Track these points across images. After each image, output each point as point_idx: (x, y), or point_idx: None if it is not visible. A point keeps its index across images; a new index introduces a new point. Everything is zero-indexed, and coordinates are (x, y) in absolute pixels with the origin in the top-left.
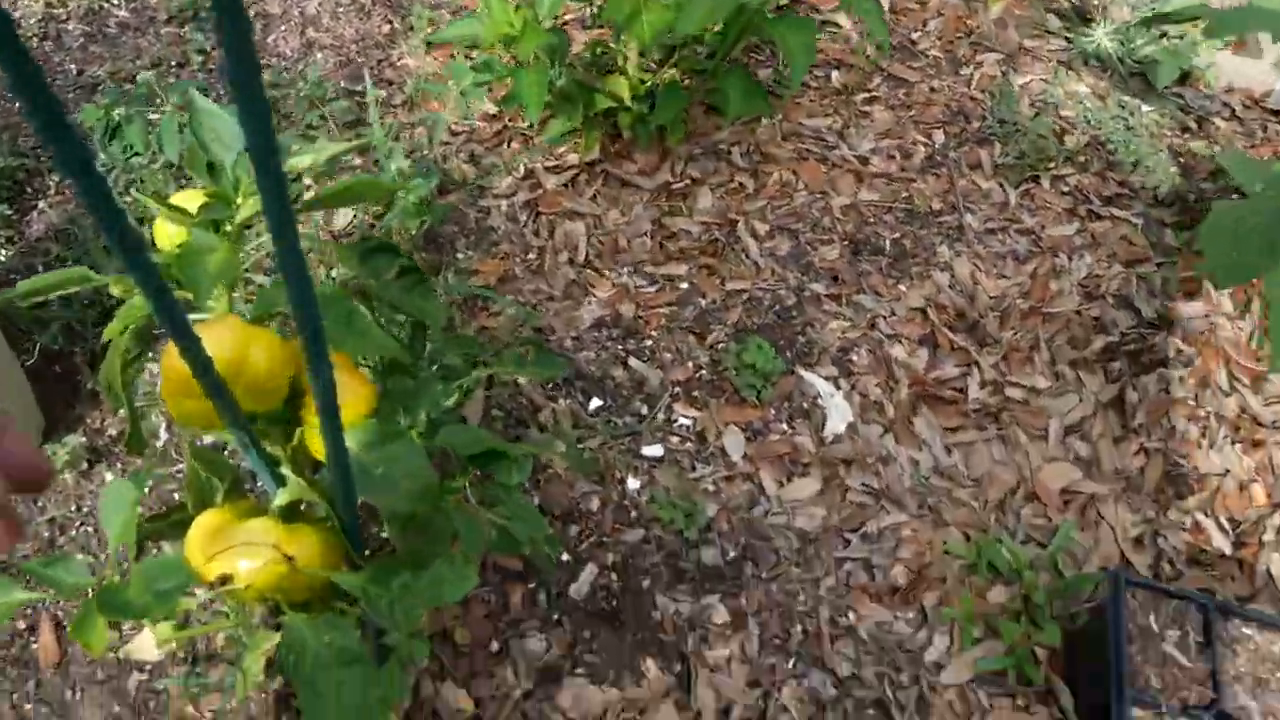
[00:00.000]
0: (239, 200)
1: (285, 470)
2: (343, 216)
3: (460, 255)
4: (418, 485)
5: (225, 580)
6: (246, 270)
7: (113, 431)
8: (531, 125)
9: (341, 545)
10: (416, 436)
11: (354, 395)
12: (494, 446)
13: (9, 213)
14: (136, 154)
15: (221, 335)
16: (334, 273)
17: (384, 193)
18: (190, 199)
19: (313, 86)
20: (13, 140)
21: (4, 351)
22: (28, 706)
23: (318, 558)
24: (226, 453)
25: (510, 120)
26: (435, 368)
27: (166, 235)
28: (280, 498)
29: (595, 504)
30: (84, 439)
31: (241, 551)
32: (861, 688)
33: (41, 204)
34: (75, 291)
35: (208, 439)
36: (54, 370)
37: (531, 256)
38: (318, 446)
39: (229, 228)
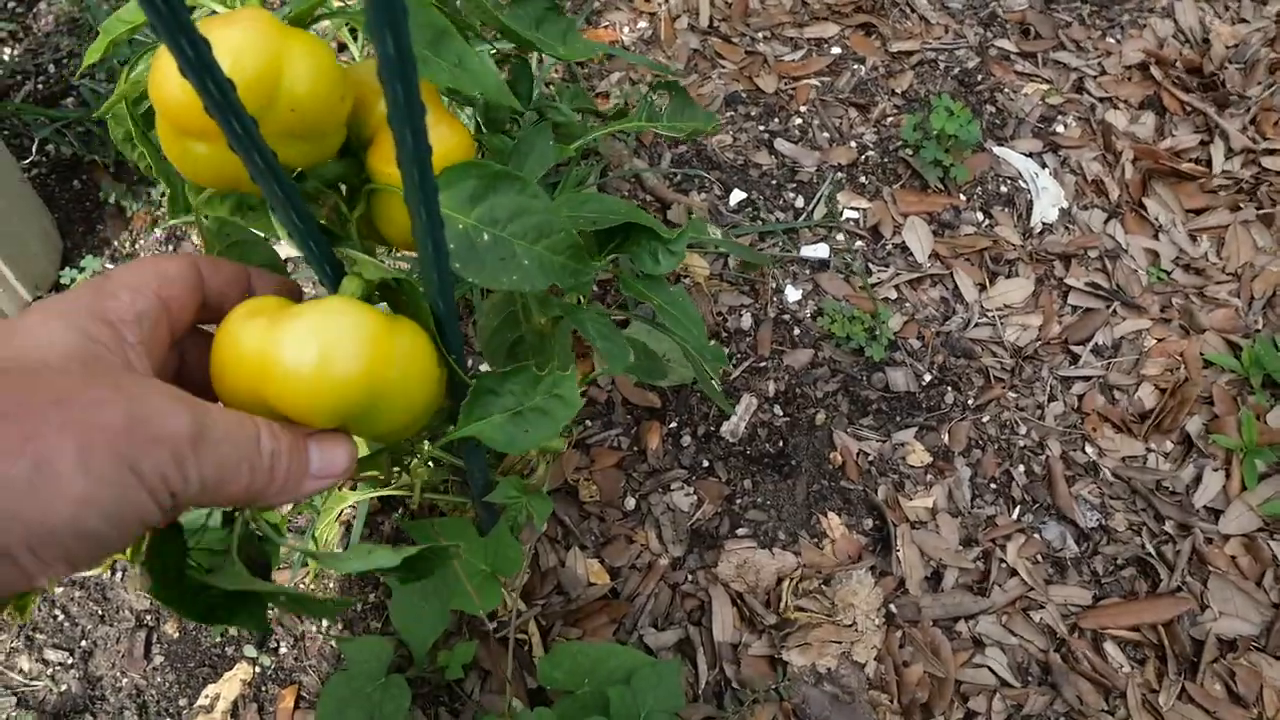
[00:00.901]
0: None
1: (349, 251)
2: None
3: None
4: (552, 251)
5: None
6: None
7: (145, 254)
8: None
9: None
10: None
11: (441, 143)
12: (635, 218)
13: (13, 4)
14: None
15: (240, 36)
16: None
17: None
18: None
19: None
20: None
21: (6, 164)
22: (59, 590)
23: (425, 355)
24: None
25: None
26: (540, 122)
27: None
28: (348, 285)
29: (747, 320)
30: (109, 263)
31: (326, 328)
32: (1112, 542)
33: None
34: (91, 90)
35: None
36: (70, 185)
37: (643, 25)
38: (392, 217)
39: None
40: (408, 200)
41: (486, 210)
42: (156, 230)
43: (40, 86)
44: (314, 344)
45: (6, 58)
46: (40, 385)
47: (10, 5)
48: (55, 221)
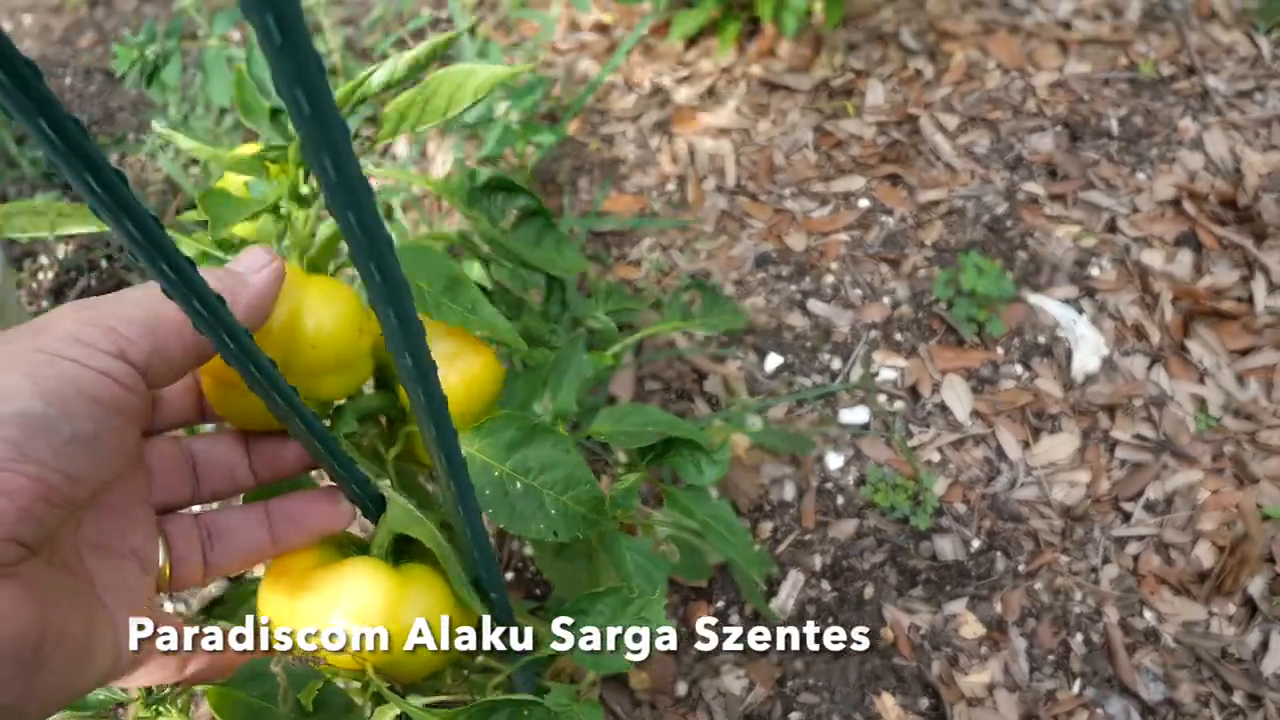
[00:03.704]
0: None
1: (386, 486)
2: (440, 165)
3: (584, 196)
4: (576, 503)
5: (313, 656)
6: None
7: None
8: (654, 18)
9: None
10: (563, 428)
11: (469, 369)
12: (678, 432)
13: (65, 204)
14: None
15: None
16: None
17: (484, 88)
18: (249, 152)
19: (387, 6)
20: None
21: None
22: None
23: (444, 613)
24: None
25: (626, 28)
26: (576, 331)
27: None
28: (382, 528)
29: (790, 491)
30: None
31: (330, 608)
32: (1180, 716)
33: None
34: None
35: None
36: None
37: (670, 188)
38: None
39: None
40: (432, 457)
41: (521, 460)
42: None
43: (94, 283)
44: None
45: (61, 254)
46: None
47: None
48: None
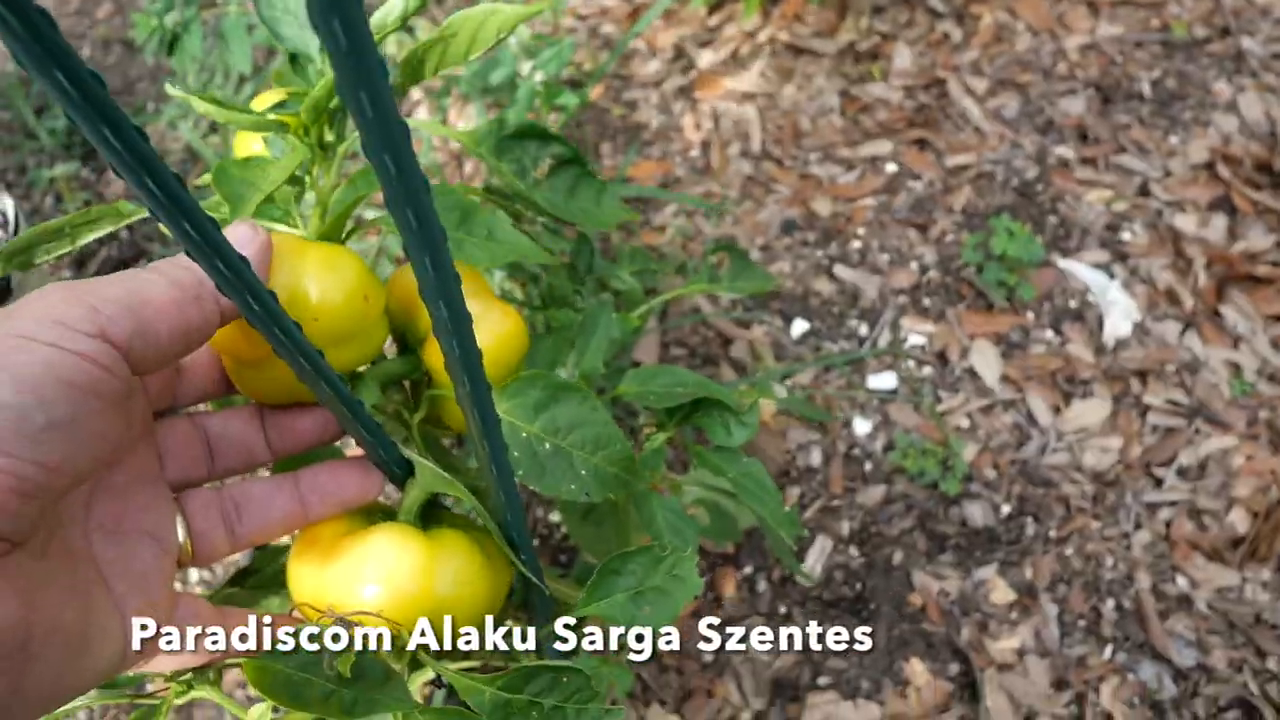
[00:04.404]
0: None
1: (411, 453)
2: (466, 123)
3: (606, 162)
4: (607, 463)
5: (343, 620)
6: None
7: None
8: None
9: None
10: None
11: (494, 333)
12: (708, 393)
13: (85, 173)
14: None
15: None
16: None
17: (506, 26)
18: (269, 100)
19: None
20: None
21: None
22: None
23: (476, 577)
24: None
25: None
26: (603, 294)
27: (249, 149)
28: (410, 494)
29: (817, 457)
30: None
31: (361, 575)
32: (1212, 681)
33: None
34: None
35: None
36: None
37: (694, 154)
38: (452, 410)
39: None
40: (466, 414)
41: (549, 420)
42: None
43: (115, 253)
44: (358, 588)
45: None
46: None
47: (82, 174)
48: None
